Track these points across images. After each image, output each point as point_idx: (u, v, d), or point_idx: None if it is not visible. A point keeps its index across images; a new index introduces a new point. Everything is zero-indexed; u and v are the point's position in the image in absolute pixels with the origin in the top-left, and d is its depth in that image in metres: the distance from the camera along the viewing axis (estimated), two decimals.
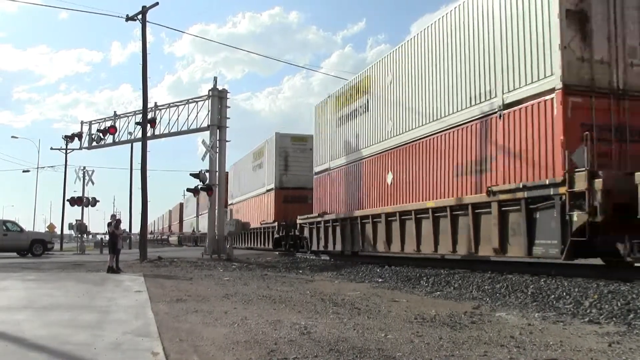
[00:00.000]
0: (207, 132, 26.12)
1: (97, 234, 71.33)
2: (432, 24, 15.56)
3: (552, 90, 11.03)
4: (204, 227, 49.52)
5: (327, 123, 23.11)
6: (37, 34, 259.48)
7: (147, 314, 8.20)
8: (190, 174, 26.05)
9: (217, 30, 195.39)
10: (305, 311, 8.48)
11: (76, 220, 40.55)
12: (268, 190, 31.39)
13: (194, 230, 58.43)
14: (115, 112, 30.13)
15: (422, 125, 15.73)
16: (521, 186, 11.56)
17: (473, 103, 13.56)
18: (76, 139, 32.06)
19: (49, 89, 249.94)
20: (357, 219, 19.39)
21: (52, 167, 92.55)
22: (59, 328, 6.95)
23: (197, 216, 54.53)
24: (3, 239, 29.70)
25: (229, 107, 26.63)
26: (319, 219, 22.90)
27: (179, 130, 27.28)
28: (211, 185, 25.44)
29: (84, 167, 41.35)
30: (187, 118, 26.70)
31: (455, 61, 14.31)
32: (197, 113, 26.38)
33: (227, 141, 26.34)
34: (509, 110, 12.30)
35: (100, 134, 30.13)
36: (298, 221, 25.84)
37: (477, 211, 13.04)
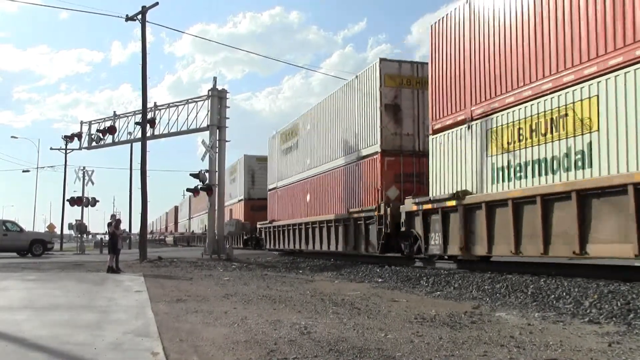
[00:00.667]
0: (207, 132, 26.12)
1: (97, 234, 71.52)
2: (328, 97, 23.23)
3: (377, 152, 18.18)
4: (195, 228, 57.82)
5: (275, 152, 30.30)
6: (37, 34, 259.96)
7: (147, 314, 8.20)
8: (190, 174, 26.07)
9: (218, 30, 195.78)
10: (305, 311, 8.48)
11: (76, 220, 40.58)
12: (239, 200, 38.45)
13: (186, 231, 64.73)
14: (114, 112, 30.18)
15: (324, 163, 23.06)
16: (361, 209, 19.05)
17: (346, 153, 20.83)
18: (76, 139, 32.08)
19: (49, 89, 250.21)
20: (292, 226, 26.32)
21: (52, 167, 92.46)
22: (59, 328, 6.95)
23: (190, 218, 62.74)
24: (3, 239, 29.71)
25: (229, 107, 26.66)
26: (269, 225, 30.02)
27: (178, 130, 27.28)
28: (211, 185, 25.44)
29: (84, 167, 41.34)
30: (187, 118, 26.74)
31: (338, 125, 21.77)
32: (197, 113, 26.42)
33: (226, 141, 26.36)
34: (362, 160, 19.37)
35: (100, 134, 30.14)
36: (257, 226, 32.55)
37: (345, 223, 20.55)
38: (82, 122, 31.68)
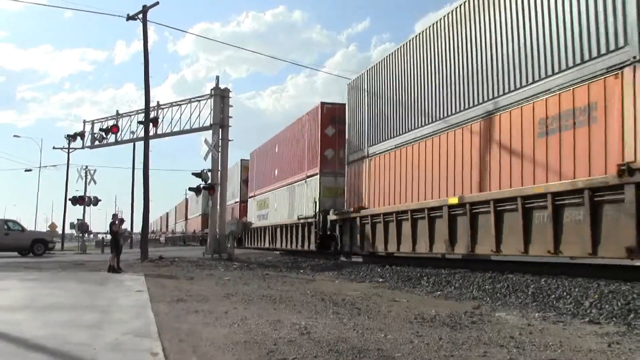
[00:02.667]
0: (210, 131, 26.13)
1: (99, 233, 71.65)
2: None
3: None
4: (190, 229, 62.29)
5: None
6: (41, 33, 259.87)
7: (148, 314, 8.20)
8: (193, 173, 26.12)
9: (221, 29, 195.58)
10: (306, 311, 8.48)
11: (78, 220, 40.68)
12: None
13: (182, 231, 69.60)
14: (117, 111, 30.21)
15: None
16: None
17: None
18: (78, 138, 32.08)
19: (53, 88, 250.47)
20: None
21: (54, 166, 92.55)
22: (59, 328, 6.95)
23: (186, 220, 67.27)
24: (4, 238, 29.77)
25: (232, 106, 26.67)
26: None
27: (181, 129, 27.27)
28: (213, 185, 25.46)
29: (86, 167, 41.56)
30: (190, 117, 26.73)
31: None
32: (200, 112, 26.42)
33: (229, 140, 26.38)
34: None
35: (103, 133, 30.14)
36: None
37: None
38: (85, 121, 31.72)
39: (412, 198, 16.08)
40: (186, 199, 68.45)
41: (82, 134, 31.62)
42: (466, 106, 13.85)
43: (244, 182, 37.63)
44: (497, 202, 12.28)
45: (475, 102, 13.46)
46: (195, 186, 26.81)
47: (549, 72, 11.08)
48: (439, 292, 11.36)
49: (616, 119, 9.56)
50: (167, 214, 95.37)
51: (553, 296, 9.36)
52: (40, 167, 57.61)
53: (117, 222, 18.52)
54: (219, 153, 25.78)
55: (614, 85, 9.66)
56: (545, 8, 11.19)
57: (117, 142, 30.41)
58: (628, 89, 9.33)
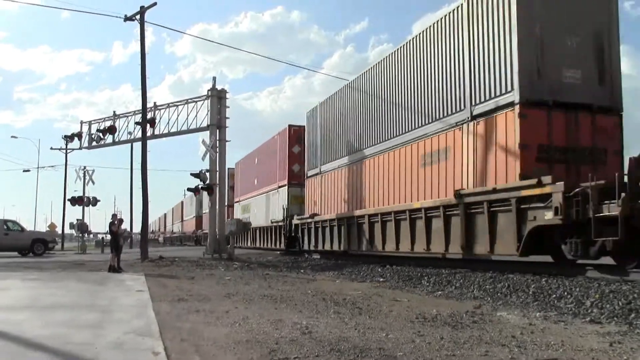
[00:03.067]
0: (207, 132, 26.12)
1: (98, 233, 71.66)
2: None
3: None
4: (186, 229, 67.11)
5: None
6: (39, 33, 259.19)
7: (149, 313, 8.20)
8: (191, 174, 26.10)
9: (219, 30, 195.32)
10: (307, 311, 8.48)
11: (77, 220, 40.63)
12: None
13: (179, 231, 74.10)
14: (114, 112, 30.20)
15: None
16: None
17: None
18: (76, 138, 32.11)
19: (50, 89, 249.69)
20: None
21: (52, 166, 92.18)
22: (60, 328, 6.95)
23: (182, 221, 71.27)
24: (4, 238, 29.73)
25: (229, 107, 26.72)
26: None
27: (178, 130, 27.29)
28: (212, 185, 25.45)
29: (84, 167, 41.51)
30: (187, 118, 26.77)
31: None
32: (197, 113, 26.45)
33: (227, 141, 26.39)
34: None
35: (100, 134, 30.17)
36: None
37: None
38: (82, 122, 31.75)
39: (349, 208, 21.03)
40: (182, 202, 73.43)
41: (79, 135, 31.65)
42: (388, 137, 18.28)
43: (231, 188, 39.58)
44: (396, 213, 17.18)
45: (393, 135, 17.94)
46: (193, 187, 26.85)
47: (428, 121, 15.84)
48: (439, 292, 11.36)
49: (458, 159, 14.42)
50: (165, 215, 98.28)
51: (554, 296, 9.36)
52: (38, 167, 57.65)
53: (116, 222, 18.51)
54: (217, 154, 25.79)
55: (458, 135, 14.40)
56: (419, 79, 16.44)
57: (114, 143, 30.43)
58: (464, 139, 14.12)
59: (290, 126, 28.38)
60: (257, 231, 33.82)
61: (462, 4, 14.42)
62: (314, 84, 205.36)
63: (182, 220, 71.09)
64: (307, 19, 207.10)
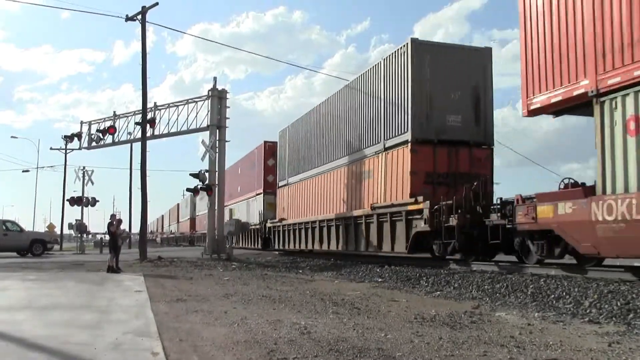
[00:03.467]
0: (207, 132, 26.12)
1: (97, 233, 71.57)
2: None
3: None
4: (181, 230, 71.40)
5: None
6: (40, 33, 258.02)
7: (147, 313, 8.20)
8: (190, 174, 26.03)
9: (220, 30, 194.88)
10: (305, 311, 8.48)
11: (76, 220, 40.59)
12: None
13: (176, 232, 77.92)
14: (114, 112, 30.15)
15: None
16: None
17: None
18: (76, 139, 32.03)
19: (50, 89, 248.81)
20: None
21: (51, 167, 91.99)
22: (59, 328, 6.95)
23: (178, 222, 74.97)
24: (3, 238, 29.70)
25: (229, 107, 26.64)
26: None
27: (178, 130, 27.25)
28: (211, 185, 25.44)
29: (84, 167, 41.42)
30: (187, 118, 26.71)
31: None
32: (197, 113, 26.39)
33: (226, 141, 26.36)
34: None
35: (100, 134, 30.10)
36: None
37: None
38: (82, 122, 31.68)
39: (308, 214, 25.26)
40: (177, 204, 78.38)
41: (79, 135, 31.58)
42: (331, 159, 22.85)
43: None
44: (336, 220, 22.00)
45: (334, 158, 22.65)
46: (192, 187, 26.84)
47: (364, 146, 19.76)
48: (438, 292, 11.36)
49: (376, 180, 18.69)
50: (162, 216, 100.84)
51: (552, 296, 9.37)
52: (37, 167, 57.54)
53: (114, 222, 18.51)
54: (217, 154, 25.78)
55: (377, 161, 18.64)
56: (357, 113, 20.53)
57: (114, 143, 30.39)
58: (380, 165, 18.37)
59: (265, 142, 33.08)
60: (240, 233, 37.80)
61: (380, 62, 18.77)
62: (314, 84, 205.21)
63: (178, 222, 75.24)
64: (309, 19, 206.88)
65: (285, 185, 29.02)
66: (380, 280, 14.32)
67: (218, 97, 26.16)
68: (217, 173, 25.90)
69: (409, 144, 16.52)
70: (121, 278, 15.03)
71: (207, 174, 25.54)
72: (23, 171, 55.86)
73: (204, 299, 10.06)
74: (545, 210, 11.44)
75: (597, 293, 8.80)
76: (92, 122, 31.15)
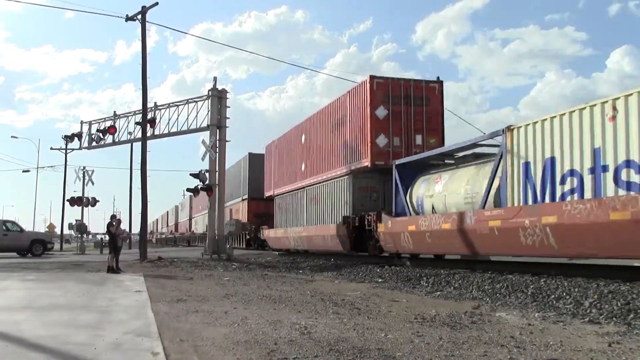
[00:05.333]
0: (207, 132, 26.12)
1: (97, 234, 71.58)
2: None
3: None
4: (179, 231, 75.55)
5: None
6: (42, 33, 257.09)
7: (148, 314, 8.20)
8: (190, 174, 26.04)
9: (223, 29, 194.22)
10: (306, 311, 8.48)
11: (76, 220, 40.55)
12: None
13: (171, 232, 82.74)
14: (115, 112, 30.13)
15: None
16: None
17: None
18: (76, 139, 32.04)
19: (52, 89, 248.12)
20: None
21: (51, 167, 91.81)
22: (59, 328, 6.95)
23: (176, 223, 78.02)
24: (3, 239, 29.69)
25: (229, 107, 26.65)
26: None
27: (178, 130, 27.25)
28: (211, 185, 25.44)
29: (84, 167, 41.38)
30: (187, 118, 26.72)
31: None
32: (197, 113, 26.39)
33: (227, 141, 26.36)
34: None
35: (100, 134, 30.10)
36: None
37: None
38: (82, 122, 31.68)
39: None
40: (175, 207, 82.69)
41: (79, 135, 31.58)
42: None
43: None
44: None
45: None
46: (193, 187, 26.82)
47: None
48: (438, 293, 11.37)
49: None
50: (160, 217, 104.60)
51: (553, 296, 9.38)
52: (37, 168, 57.46)
53: (114, 222, 18.50)
54: (217, 154, 25.78)
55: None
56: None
57: (114, 143, 30.38)
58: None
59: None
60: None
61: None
62: (315, 84, 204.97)
63: (176, 223, 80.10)
64: (311, 18, 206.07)
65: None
66: (380, 280, 14.32)
67: (218, 97, 26.16)
68: (217, 173, 25.91)
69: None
70: (121, 278, 15.03)
71: (207, 174, 25.54)
72: (23, 171, 55.80)
73: (204, 299, 10.06)
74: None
75: (598, 293, 8.80)
76: (93, 122, 31.16)
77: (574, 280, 10.32)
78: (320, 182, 23.90)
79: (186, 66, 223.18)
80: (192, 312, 8.36)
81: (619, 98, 10.01)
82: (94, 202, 39.25)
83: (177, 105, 27.46)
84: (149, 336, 6.37)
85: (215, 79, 26.62)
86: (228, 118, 26.42)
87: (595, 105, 10.51)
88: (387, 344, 5.89)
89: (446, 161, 17.23)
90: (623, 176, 9.89)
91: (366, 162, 19.38)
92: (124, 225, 33.06)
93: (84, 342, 5.98)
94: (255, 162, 35.49)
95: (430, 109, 19.83)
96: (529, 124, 12.26)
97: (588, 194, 10.50)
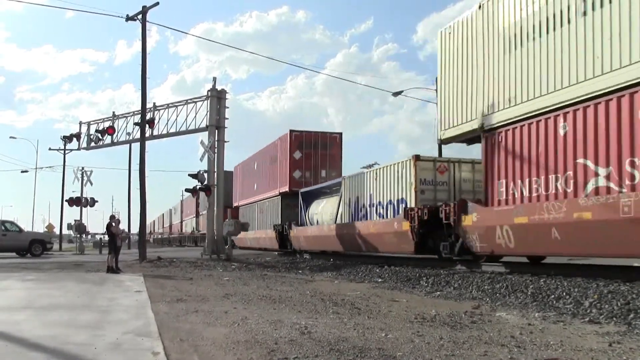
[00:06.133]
0: (206, 133, 26.10)
1: (96, 234, 71.50)
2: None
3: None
4: (174, 231, 77.19)
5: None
6: (43, 33, 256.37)
7: (147, 314, 8.20)
8: (189, 175, 26.04)
9: (224, 29, 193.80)
10: (306, 311, 8.48)
11: (75, 221, 40.50)
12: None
13: (166, 233, 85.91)
14: (114, 112, 30.13)
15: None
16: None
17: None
18: (75, 139, 31.99)
19: (51, 89, 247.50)
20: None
21: (50, 167, 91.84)
22: (59, 328, 6.95)
23: (171, 225, 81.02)
24: (2, 239, 29.67)
25: (228, 107, 26.68)
26: None
27: (177, 130, 27.24)
28: (209, 186, 25.43)
29: (83, 168, 41.29)
30: (186, 118, 26.71)
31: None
32: (196, 113, 26.41)
33: (225, 141, 26.36)
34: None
35: (99, 135, 30.08)
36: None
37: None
38: (81, 123, 31.66)
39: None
40: (170, 210, 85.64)
41: (78, 136, 31.53)
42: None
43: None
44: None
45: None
46: (191, 187, 26.81)
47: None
48: (438, 292, 11.37)
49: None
50: (158, 219, 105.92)
51: (553, 296, 9.38)
52: (36, 168, 57.44)
53: (114, 223, 18.50)
54: (215, 154, 25.76)
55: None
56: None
57: (113, 144, 30.36)
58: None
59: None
60: None
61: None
62: (315, 84, 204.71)
63: (171, 224, 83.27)
64: (312, 18, 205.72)
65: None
66: (380, 280, 14.31)
67: (217, 98, 26.16)
68: (215, 173, 25.89)
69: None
70: (121, 278, 15.02)
71: (205, 175, 25.52)
72: (22, 171, 55.84)
73: (204, 299, 10.06)
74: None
75: (597, 293, 8.81)
76: (91, 123, 31.15)
77: (574, 280, 10.33)
78: (263, 199, 32.37)
79: (187, 66, 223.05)
80: (192, 312, 8.36)
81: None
82: (92, 202, 39.21)
83: (176, 106, 27.45)
84: (149, 336, 6.37)
85: (214, 79, 26.65)
86: (227, 118, 26.47)
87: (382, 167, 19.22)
88: (387, 344, 5.89)
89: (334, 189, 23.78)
90: (381, 209, 18.68)
91: (286, 188, 28.02)
92: (123, 226, 33.16)
93: (84, 342, 5.98)
94: (228, 176, 39.27)
95: (332, 152, 28.54)
96: (352, 176, 21.64)
97: (374, 217, 19.15)
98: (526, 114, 12.47)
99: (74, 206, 38.55)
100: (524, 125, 12.56)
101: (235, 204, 38.85)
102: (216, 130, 25.94)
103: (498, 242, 12.73)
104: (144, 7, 24.22)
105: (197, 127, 26.48)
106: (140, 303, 9.57)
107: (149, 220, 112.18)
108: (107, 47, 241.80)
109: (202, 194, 28.95)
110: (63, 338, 6.21)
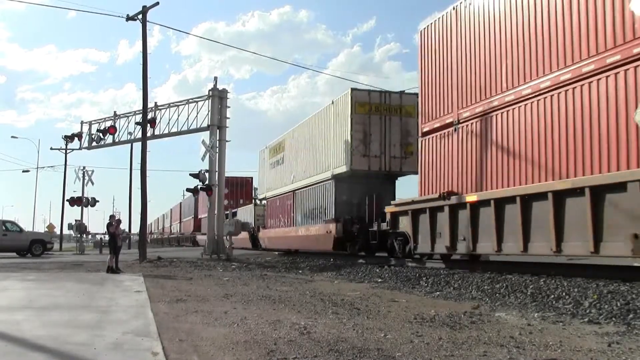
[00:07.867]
0: (208, 132, 26.11)
1: (97, 234, 71.52)
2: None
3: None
4: (172, 231, 78.50)
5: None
6: (45, 33, 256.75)
7: (147, 314, 8.20)
8: (190, 174, 26.08)
9: (226, 29, 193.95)
10: (305, 311, 8.49)
11: (76, 221, 40.52)
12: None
13: (162, 234, 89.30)
14: (115, 112, 30.13)
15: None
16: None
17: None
18: (76, 139, 32.01)
19: (53, 89, 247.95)
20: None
21: (51, 167, 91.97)
22: (59, 328, 6.95)
23: (170, 225, 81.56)
24: (2, 239, 29.70)
25: (229, 107, 26.66)
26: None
27: (179, 130, 27.25)
28: (211, 186, 25.44)
29: (84, 167, 41.30)
30: (188, 118, 26.73)
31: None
32: (198, 113, 26.40)
33: (227, 141, 26.37)
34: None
35: (100, 134, 30.09)
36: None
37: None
38: (82, 122, 31.66)
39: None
40: (170, 210, 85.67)
41: (79, 135, 31.54)
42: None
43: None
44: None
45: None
46: (192, 187, 26.84)
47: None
48: (437, 293, 11.37)
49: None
50: (157, 219, 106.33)
51: (552, 296, 9.38)
52: (37, 168, 57.49)
53: (114, 223, 18.50)
54: (217, 154, 25.77)
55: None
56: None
57: (114, 143, 30.38)
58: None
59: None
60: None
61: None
62: (317, 83, 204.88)
63: (171, 224, 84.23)
64: (315, 18, 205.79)
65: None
66: (380, 280, 14.31)
67: (219, 97, 26.17)
68: (217, 173, 25.90)
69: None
70: (121, 278, 15.03)
71: (207, 174, 25.54)
72: (23, 171, 55.89)
73: (203, 299, 10.07)
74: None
75: (597, 293, 8.80)
76: (93, 122, 31.15)
77: (574, 280, 10.33)
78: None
79: (189, 65, 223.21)
80: (192, 312, 8.36)
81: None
82: (93, 202, 39.20)
83: (178, 105, 27.47)
84: (149, 336, 6.38)
85: (215, 78, 26.69)
86: (228, 118, 26.47)
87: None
88: (386, 344, 5.89)
89: None
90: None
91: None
92: (124, 226, 33.19)
93: (84, 342, 5.98)
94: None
95: None
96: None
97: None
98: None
99: (75, 206, 38.57)
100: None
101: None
102: (218, 130, 25.95)
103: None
104: (144, 7, 24.24)
105: (198, 126, 26.50)
106: (140, 303, 9.58)
107: (150, 220, 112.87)
108: (109, 46, 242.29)
109: (202, 194, 29.07)
110: (63, 338, 6.22)
